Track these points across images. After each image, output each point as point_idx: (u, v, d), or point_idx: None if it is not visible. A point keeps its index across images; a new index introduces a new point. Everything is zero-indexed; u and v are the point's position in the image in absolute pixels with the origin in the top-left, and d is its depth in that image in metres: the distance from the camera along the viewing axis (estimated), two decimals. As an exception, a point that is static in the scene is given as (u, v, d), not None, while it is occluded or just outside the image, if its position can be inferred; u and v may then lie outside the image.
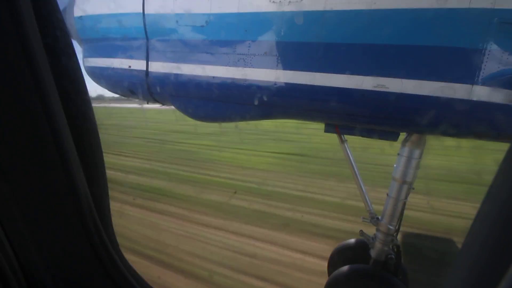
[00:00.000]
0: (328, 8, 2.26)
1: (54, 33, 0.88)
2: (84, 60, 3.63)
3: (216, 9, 2.69)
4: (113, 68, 3.31)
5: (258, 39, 2.59)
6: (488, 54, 1.94)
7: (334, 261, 3.77)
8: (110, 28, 3.29)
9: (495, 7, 1.85)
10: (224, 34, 2.75)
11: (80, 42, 3.68)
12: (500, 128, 2.17)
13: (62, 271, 0.83)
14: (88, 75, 3.61)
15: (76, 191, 0.85)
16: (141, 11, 2.99)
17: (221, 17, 2.71)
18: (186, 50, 2.96)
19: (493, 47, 1.92)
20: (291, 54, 2.51)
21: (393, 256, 3.04)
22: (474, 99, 2.04)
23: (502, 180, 0.66)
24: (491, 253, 0.64)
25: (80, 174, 0.89)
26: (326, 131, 2.94)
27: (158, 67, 3.11)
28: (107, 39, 3.36)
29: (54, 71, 0.82)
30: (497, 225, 0.64)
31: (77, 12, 3.44)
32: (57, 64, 0.86)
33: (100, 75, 3.50)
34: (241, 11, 2.59)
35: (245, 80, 2.70)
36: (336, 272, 3.12)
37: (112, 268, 0.91)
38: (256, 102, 2.82)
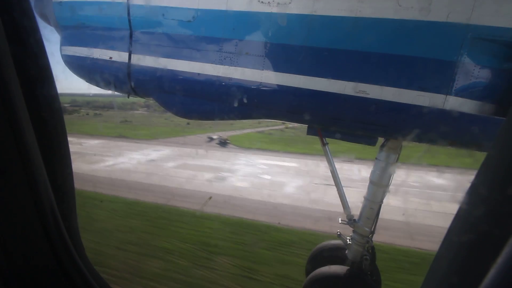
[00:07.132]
0: (314, 12, 2.28)
1: (18, 19, 0.82)
2: (62, 49, 3.44)
3: (204, 5, 2.64)
4: (93, 58, 3.16)
5: (245, 39, 2.57)
6: (462, 67, 2.03)
7: (313, 262, 3.83)
8: (92, 16, 3.15)
9: (470, 23, 1.95)
10: (211, 31, 2.70)
11: (58, 29, 3.49)
12: (470, 137, 2.28)
13: (16, 267, 0.78)
14: (65, 64, 3.43)
15: (37, 191, 0.80)
16: (126, 0, 2.88)
17: (208, 13, 2.66)
18: (171, 44, 2.88)
19: (466, 60, 2.02)
20: (277, 55, 2.51)
21: (368, 257, 3.12)
22: (448, 108, 2.13)
23: (481, 183, 0.66)
24: (468, 256, 0.64)
25: (41, 168, 0.84)
26: (308, 133, 2.97)
27: (141, 60, 3.01)
28: (88, 27, 3.21)
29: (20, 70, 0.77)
30: (473, 231, 0.63)
31: None
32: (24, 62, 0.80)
33: (77, 65, 3.33)
34: (230, 9, 2.56)
35: (230, 78, 2.67)
36: (314, 272, 3.17)
37: (70, 266, 0.86)
38: (240, 102, 2.80)
